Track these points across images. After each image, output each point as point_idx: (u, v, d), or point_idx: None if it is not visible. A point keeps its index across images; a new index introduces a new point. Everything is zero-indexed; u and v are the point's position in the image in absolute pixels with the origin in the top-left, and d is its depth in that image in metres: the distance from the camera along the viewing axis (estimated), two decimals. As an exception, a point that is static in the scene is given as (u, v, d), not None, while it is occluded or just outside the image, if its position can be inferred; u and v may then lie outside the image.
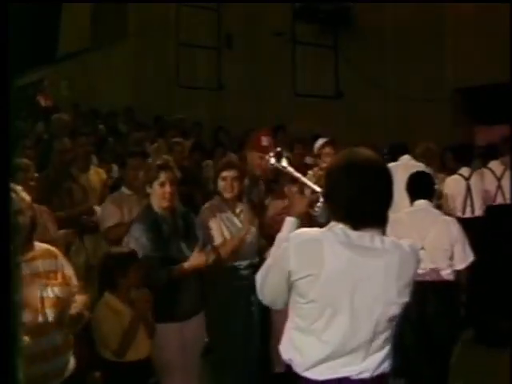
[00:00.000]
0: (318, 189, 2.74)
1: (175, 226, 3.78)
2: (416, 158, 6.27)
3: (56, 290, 2.88)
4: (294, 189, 3.86)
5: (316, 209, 2.71)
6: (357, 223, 2.19)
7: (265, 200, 4.80)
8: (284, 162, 2.89)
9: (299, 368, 2.26)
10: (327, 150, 5.53)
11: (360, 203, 2.17)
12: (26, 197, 2.89)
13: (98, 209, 5.11)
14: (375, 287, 2.18)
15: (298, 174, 2.91)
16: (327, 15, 10.08)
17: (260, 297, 2.39)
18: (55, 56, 17.91)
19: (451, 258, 4.32)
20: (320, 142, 5.77)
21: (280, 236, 2.52)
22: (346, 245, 2.17)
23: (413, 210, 4.46)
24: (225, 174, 4.22)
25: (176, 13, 12.05)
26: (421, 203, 4.44)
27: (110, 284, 3.57)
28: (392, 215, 2.32)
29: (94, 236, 5.07)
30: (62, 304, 2.89)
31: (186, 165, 6.91)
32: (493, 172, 6.79)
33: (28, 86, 16.44)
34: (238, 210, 4.29)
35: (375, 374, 2.23)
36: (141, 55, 15.00)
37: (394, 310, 2.21)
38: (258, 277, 2.38)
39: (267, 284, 2.34)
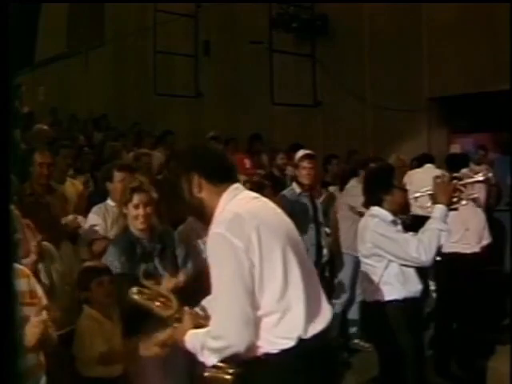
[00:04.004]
0: None
1: (151, 247, 3.75)
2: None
3: (28, 310, 2.84)
4: None
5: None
6: None
7: None
8: None
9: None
10: (304, 163, 5.53)
11: None
12: (16, 212, 2.86)
13: (81, 219, 5.04)
14: None
15: None
16: (304, 24, 10.11)
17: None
18: (32, 61, 17.76)
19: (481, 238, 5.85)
20: (301, 153, 5.76)
21: None
22: None
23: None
24: None
25: (153, 20, 12.02)
26: None
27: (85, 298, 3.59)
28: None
29: (70, 250, 5.00)
30: (33, 325, 2.84)
31: (163, 175, 6.88)
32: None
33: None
34: None
35: None
36: (118, 62, 14.92)
37: None
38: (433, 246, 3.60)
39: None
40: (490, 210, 7.63)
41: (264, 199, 2.63)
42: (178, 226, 4.35)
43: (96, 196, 5.46)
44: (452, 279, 5.60)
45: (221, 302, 2.35)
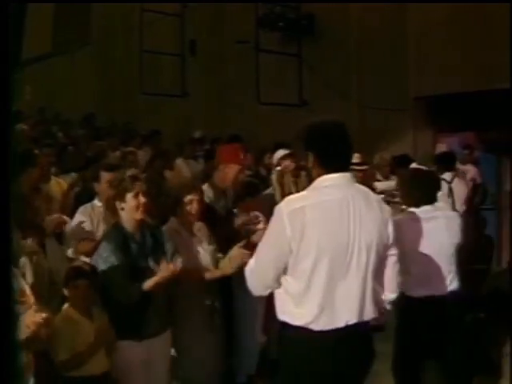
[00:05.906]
0: None
1: (144, 242, 3.72)
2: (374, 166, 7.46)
3: (18, 309, 2.82)
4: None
5: None
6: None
7: (232, 210, 4.80)
8: None
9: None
10: (286, 162, 5.53)
11: None
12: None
13: (67, 219, 5.02)
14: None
15: None
16: (291, 23, 10.12)
17: None
18: (19, 60, 17.64)
19: None
20: (280, 152, 5.76)
21: None
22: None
23: None
24: (190, 197, 4.14)
25: (139, 19, 11.98)
26: None
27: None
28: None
29: (56, 248, 4.98)
30: (22, 323, 2.83)
31: (148, 174, 6.85)
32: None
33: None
34: (195, 229, 4.25)
35: None
36: (104, 62, 14.88)
37: None
38: None
39: None
40: (476, 208, 7.74)
41: (352, 198, 2.73)
42: (163, 224, 4.34)
43: (84, 196, 5.43)
44: None
45: (256, 257, 2.81)
